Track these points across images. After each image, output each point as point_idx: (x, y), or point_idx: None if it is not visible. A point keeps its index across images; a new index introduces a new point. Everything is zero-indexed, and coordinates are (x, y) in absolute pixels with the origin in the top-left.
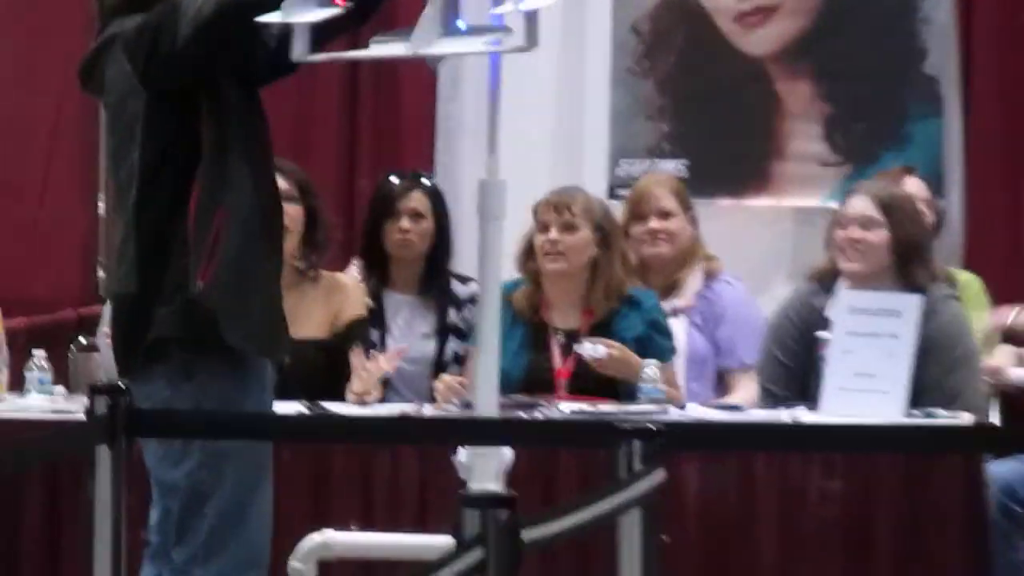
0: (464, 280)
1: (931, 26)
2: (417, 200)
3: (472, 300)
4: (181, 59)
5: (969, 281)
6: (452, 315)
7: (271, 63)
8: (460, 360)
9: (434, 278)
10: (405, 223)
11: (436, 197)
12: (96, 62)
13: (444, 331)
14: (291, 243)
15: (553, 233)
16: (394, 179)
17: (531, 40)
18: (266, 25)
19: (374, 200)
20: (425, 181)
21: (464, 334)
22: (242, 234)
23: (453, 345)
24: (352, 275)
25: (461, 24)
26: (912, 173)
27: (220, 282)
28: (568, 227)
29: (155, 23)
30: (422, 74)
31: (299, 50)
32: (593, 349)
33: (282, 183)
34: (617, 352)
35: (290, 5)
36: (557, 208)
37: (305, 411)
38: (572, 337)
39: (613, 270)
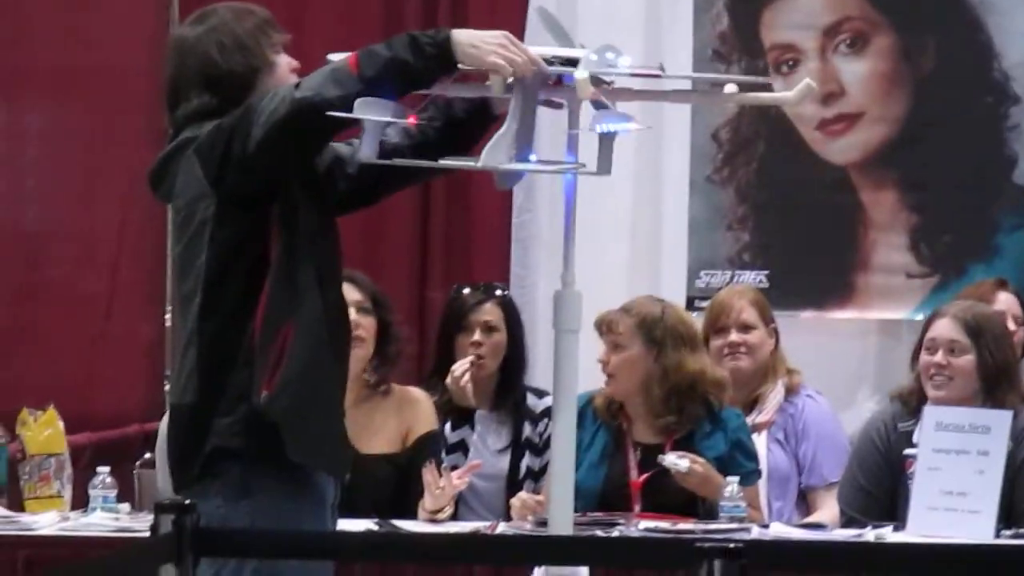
0: (540, 394)
1: (1020, 135)
2: (489, 312)
3: (547, 414)
4: (254, 161)
5: None
6: (527, 429)
7: (351, 191)
8: (535, 476)
9: (508, 392)
10: (478, 336)
11: (509, 309)
12: (167, 167)
13: (519, 446)
14: (364, 354)
15: (602, 353)
16: (466, 291)
17: (604, 166)
18: (347, 152)
19: (446, 313)
20: (498, 292)
21: (539, 449)
22: (308, 347)
23: (528, 461)
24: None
25: (532, 158)
26: (1005, 287)
27: (284, 395)
28: (616, 347)
29: (229, 126)
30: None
31: (366, 152)
32: (676, 461)
33: (356, 294)
34: (700, 467)
35: (363, 105)
36: (601, 328)
37: (375, 528)
38: (651, 451)
39: (678, 374)
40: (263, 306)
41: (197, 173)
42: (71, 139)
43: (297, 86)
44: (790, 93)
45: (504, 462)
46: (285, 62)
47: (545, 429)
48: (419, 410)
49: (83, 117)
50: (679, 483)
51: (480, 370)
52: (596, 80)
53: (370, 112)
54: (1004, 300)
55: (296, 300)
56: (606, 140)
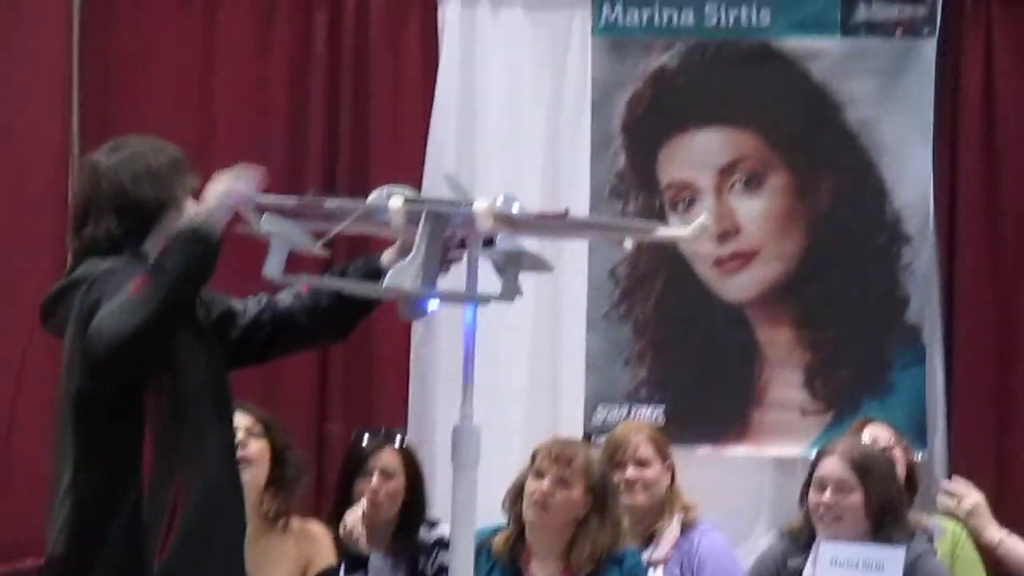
0: (431, 525)
1: (912, 274)
2: (387, 458)
3: (439, 543)
4: (103, 386)
5: (954, 530)
6: (420, 562)
7: (242, 345)
8: None
9: (406, 537)
10: (375, 482)
11: (408, 455)
12: (60, 301)
13: None
14: (256, 479)
15: (546, 484)
16: (366, 436)
17: (509, 292)
18: (239, 307)
19: (345, 457)
20: (397, 438)
21: None
22: (202, 506)
23: None
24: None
25: (433, 304)
26: (872, 422)
27: (179, 561)
28: (562, 481)
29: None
30: (395, 316)
31: (272, 269)
32: None
33: (244, 419)
34: None
35: (270, 222)
36: (557, 460)
37: None
38: None
39: (600, 536)
40: (150, 473)
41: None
42: None
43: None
44: (685, 230)
45: None
46: (191, 207)
47: (435, 560)
48: (318, 545)
49: None
50: None
51: (376, 515)
52: (499, 217)
53: (277, 229)
54: (877, 432)
55: (183, 458)
56: (511, 266)
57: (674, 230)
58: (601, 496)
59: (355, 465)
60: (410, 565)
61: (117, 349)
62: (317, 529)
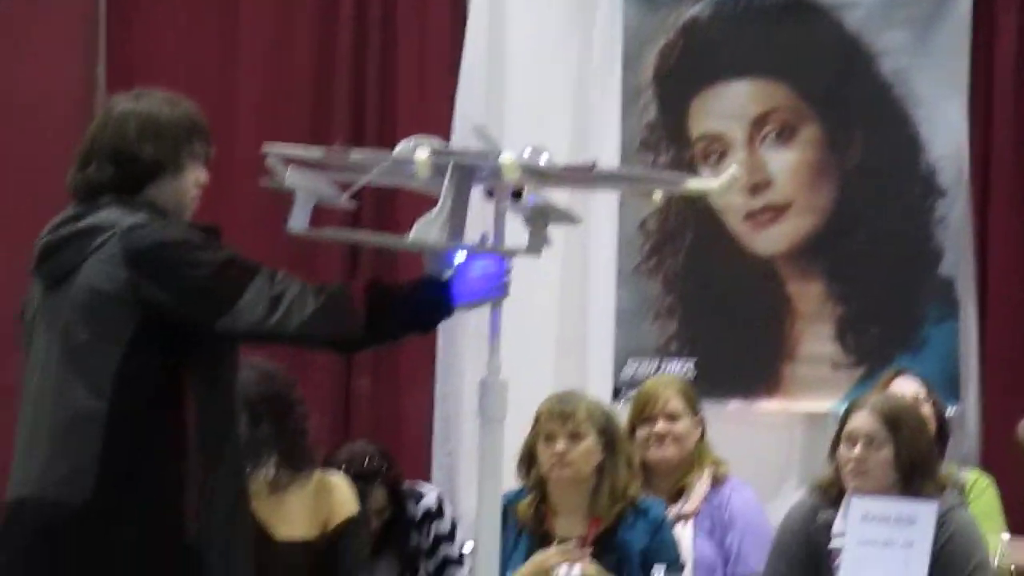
0: (417, 498)
1: (947, 228)
2: (382, 501)
3: (428, 515)
4: (239, 333)
5: (978, 481)
6: (413, 539)
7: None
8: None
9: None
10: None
11: (391, 489)
12: (68, 245)
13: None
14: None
15: (560, 444)
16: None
17: (536, 246)
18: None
19: None
20: (383, 475)
21: (431, 552)
22: (229, 478)
23: (425, 566)
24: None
25: (460, 256)
26: (902, 373)
27: (212, 531)
28: (574, 436)
29: (216, 278)
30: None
31: (297, 221)
32: (570, 572)
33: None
34: (593, 571)
35: (296, 176)
36: (562, 417)
37: None
38: (579, 545)
39: (618, 474)
40: (192, 434)
41: (117, 274)
42: None
43: (303, 299)
44: (715, 182)
45: None
46: (194, 175)
47: (429, 532)
48: (337, 496)
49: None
50: None
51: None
52: (526, 168)
53: (303, 182)
54: (906, 385)
55: (220, 427)
56: (538, 220)
57: (704, 182)
58: (610, 437)
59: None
60: (402, 544)
61: (295, 338)
62: (337, 480)
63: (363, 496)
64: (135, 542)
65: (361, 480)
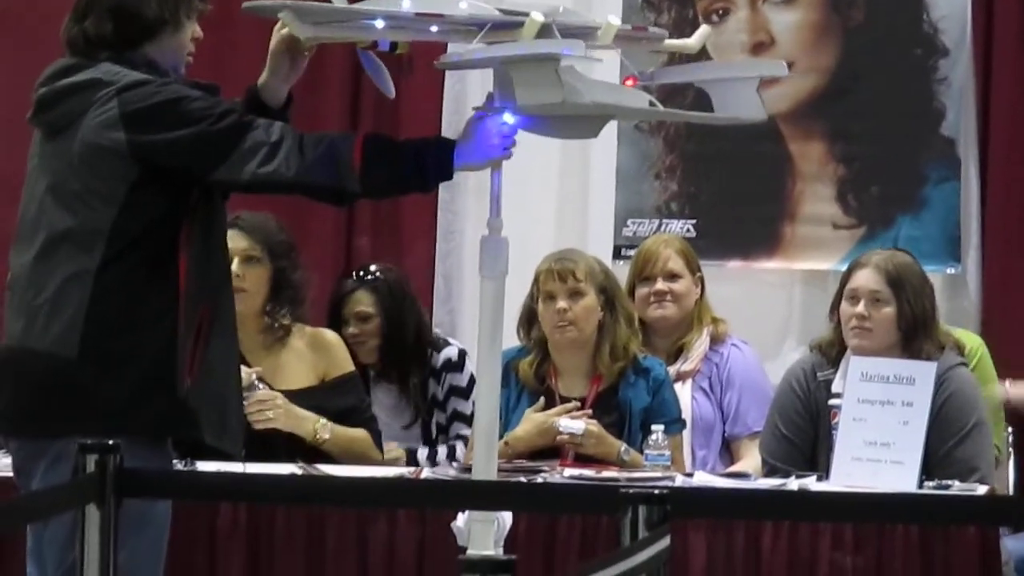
0: (439, 346)
1: (949, 87)
2: (361, 301)
3: (447, 365)
4: (224, 185)
5: (975, 345)
6: (431, 387)
7: None
8: (444, 430)
9: (392, 370)
10: (352, 328)
11: (382, 291)
12: (66, 97)
13: (426, 414)
14: (252, 307)
15: (561, 302)
16: (346, 282)
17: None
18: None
19: (328, 309)
20: (371, 276)
21: (442, 403)
22: (222, 334)
23: (436, 417)
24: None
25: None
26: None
27: (208, 383)
28: (575, 294)
29: (204, 132)
30: (424, 130)
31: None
32: (571, 424)
33: (242, 242)
34: (595, 428)
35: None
36: (561, 276)
37: (298, 472)
38: (580, 405)
39: (618, 331)
40: (184, 288)
41: (115, 134)
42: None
43: (300, 148)
44: (691, 39)
45: (414, 433)
46: (191, 29)
47: (444, 382)
48: (333, 352)
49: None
50: (575, 450)
51: (367, 356)
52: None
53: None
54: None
55: (212, 283)
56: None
57: (680, 41)
58: (610, 293)
59: (336, 316)
60: (412, 405)
61: (293, 185)
62: (331, 337)
63: (347, 296)
64: (126, 397)
65: (350, 278)
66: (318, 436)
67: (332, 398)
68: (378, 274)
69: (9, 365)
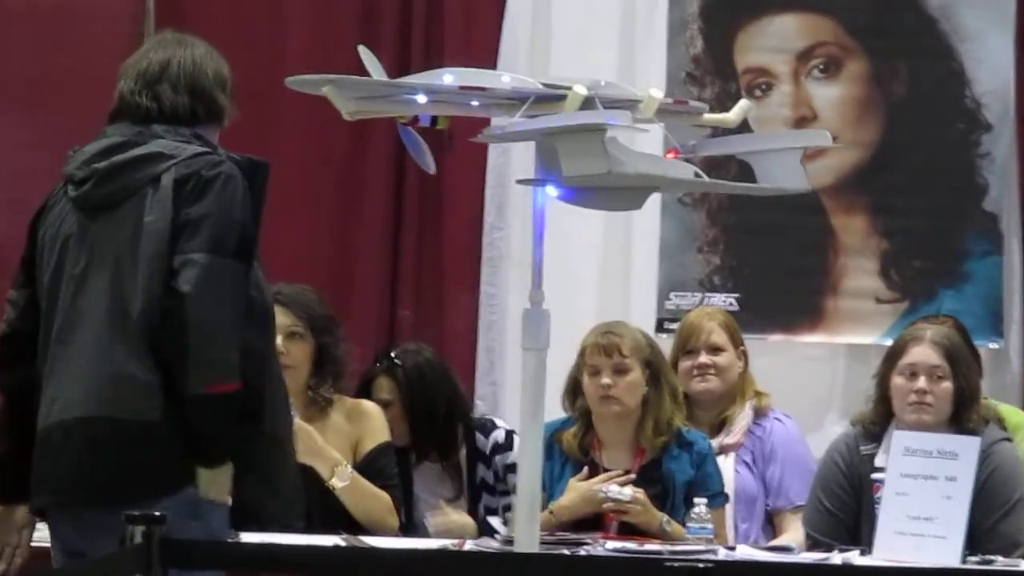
0: (487, 430)
1: (992, 162)
2: (383, 388)
3: (497, 448)
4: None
5: (1020, 420)
6: (480, 471)
7: None
8: (495, 514)
9: (427, 445)
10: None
11: (400, 379)
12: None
13: (473, 489)
14: (299, 383)
15: (605, 378)
16: (370, 367)
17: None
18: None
19: (355, 391)
20: (391, 362)
21: (493, 488)
22: (280, 394)
23: (485, 501)
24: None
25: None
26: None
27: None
28: (620, 370)
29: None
30: (467, 203)
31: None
32: (620, 491)
33: (285, 318)
34: (641, 495)
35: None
36: (607, 350)
37: (341, 543)
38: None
39: (662, 406)
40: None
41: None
42: (40, 148)
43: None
44: (730, 114)
45: (460, 507)
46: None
47: (494, 464)
48: (369, 422)
49: (52, 126)
50: (620, 518)
51: (400, 439)
52: None
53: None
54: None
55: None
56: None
57: (719, 115)
58: (655, 368)
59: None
60: (455, 478)
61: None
62: (370, 407)
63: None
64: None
65: (375, 364)
66: (335, 479)
67: (364, 474)
68: (396, 359)
69: (77, 434)
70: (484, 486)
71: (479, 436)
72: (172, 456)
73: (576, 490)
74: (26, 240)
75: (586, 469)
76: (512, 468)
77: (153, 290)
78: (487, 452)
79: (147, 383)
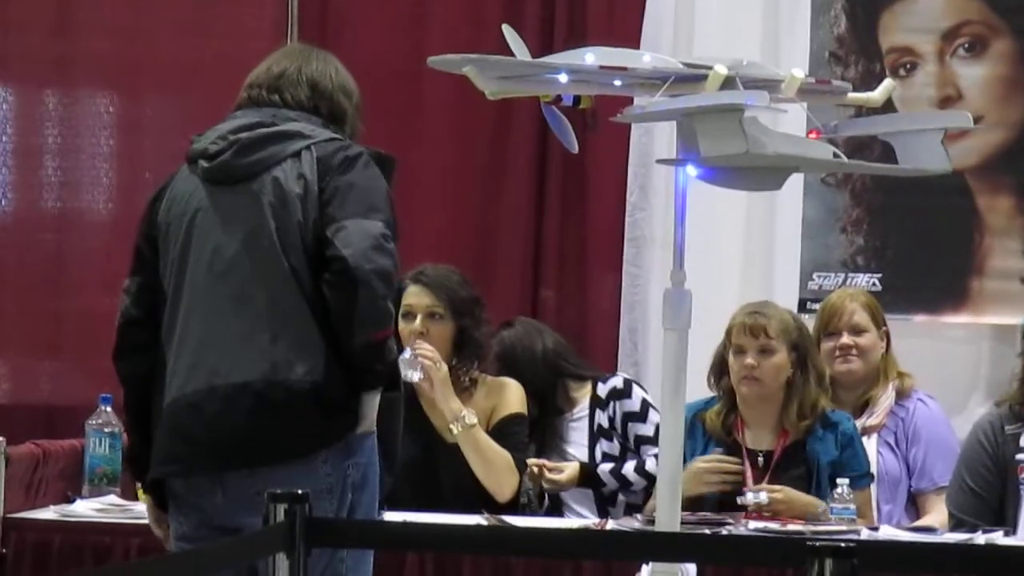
0: (603, 379)
1: None
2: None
3: (615, 393)
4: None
5: None
6: (598, 416)
7: None
8: (612, 459)
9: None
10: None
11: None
12: (266, 144)
13: (592, 434)
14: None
15: (750, 358)
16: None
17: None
18: None
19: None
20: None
21: (610, 433)
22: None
23: (602, 447)
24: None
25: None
26: None
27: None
28: (765, 351)
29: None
30: (610, 183)
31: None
32: (755, 497)
33: (426, 298)
34: (780, 494)
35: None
36: (753, 331)
37: (484, 523)
38: (767, 458)
39: (808, 389)
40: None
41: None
42: (189, 132)
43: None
44: (874, 93)
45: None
46: None
47: (614, 412)
48: (507, 393)
49: (202, 110)
50: (768, 517)
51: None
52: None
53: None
54: None
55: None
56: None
57: (863, 94)
58: (802, 351)
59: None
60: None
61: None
62: (510, 382)
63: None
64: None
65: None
66: (455, 424)
67: (490, 432)
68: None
69: (244, 398)
70: (601, 431)
71: (599, 384)
72: (338, 411)
73: (688, 469)
74: (140, 225)
75: (721, 450)
76: (631, 416)
77: (306, 255)
78: (603, 397)
79: (308, 342)
